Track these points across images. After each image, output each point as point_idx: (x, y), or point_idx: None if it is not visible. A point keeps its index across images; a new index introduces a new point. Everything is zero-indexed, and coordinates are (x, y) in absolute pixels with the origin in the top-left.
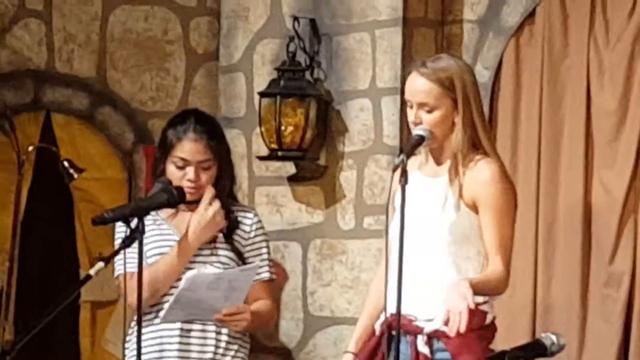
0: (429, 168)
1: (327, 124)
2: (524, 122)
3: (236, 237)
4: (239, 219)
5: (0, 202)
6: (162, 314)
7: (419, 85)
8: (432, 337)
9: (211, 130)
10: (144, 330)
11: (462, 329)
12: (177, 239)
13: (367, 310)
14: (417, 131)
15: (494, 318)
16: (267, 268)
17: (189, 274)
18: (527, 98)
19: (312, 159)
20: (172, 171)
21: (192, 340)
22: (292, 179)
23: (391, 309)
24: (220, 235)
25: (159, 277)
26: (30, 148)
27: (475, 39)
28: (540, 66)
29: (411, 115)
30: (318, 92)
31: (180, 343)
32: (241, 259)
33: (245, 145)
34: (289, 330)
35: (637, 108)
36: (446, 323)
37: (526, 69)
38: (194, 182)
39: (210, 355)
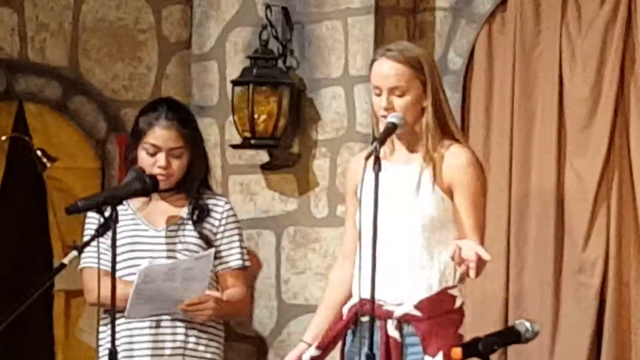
0: (398, 156)
1: (300, 112)
2: (496, 109)
3: (206, 225)
4: (210, 206)
5: None
6: (126, 310)
7: (389, 69)
8: (402, 321)
9: (183, 118)
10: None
11: (472, 275)
12: (148, 231)
13: (325, 301)
14: (389, 119)
15: (463, 303)
16: (239, 256)
17: (142, 267)
18: (500, 86)
19: (285, 147)
20: (143, 157)
21: (162, 335)
22: (266, 167)
23: (362, 294)
24: (190, 221)
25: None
26: (3, 137)
27: (448, 27)
28: (513, 54)
29: (383, 101)
30: (291, 80)
31: (150, 336)
32: (210, 246)
33: (218, 134)
34: (262, 319)
35: (609, 95)
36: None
37: (498, 57)
38: (165, 169)
39: (180, 347)
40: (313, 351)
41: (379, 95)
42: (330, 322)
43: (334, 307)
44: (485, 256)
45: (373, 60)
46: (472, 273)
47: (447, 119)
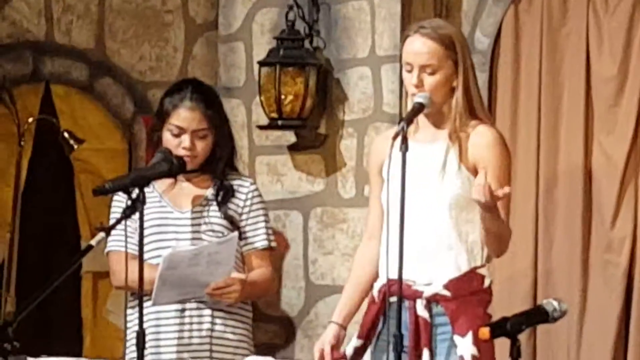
0: (424, 134)
1: (327, 93)
2: (523, 89)
3: (231, 205)
4: (235, 187)
5: (1, 174)
6: (152, 296)
7: (422, 46)
8: (431, 301)
9: (208, 99)
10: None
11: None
12: (173, 213)
13: (351, 281)
14: (416, 99)
15: (491, 282)
16: (264, 236)
17: (166, 253)
18: (527, 65)
19: (312, 128)
20: (167, 139)
21: (188, 319)
22: (292, 148)
23: (390, 274)
24: (214, 202)
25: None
26: (30, 119)
27: (475, 6)
28: (540, 33)
29: (413, 78)
30: (317, 60)
31: (177, 319)
32: (235, 226)
33: (245, 115)
34: (290, 299)
35: (637, 74)
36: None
37: (525, 36)
38: (189, 150)
39: (207, 333)
40: (355, 341)
41: (409, 72)
42: (357, 302)
43: (361, 288)
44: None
45: (406, 37)
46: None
47: (475, 99)
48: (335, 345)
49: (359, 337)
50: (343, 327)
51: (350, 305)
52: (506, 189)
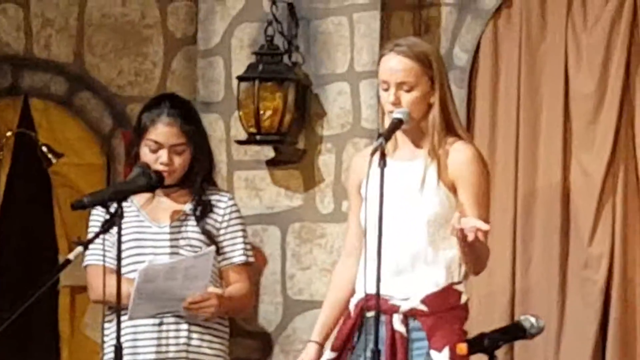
0: (403, 152)
1: (306, 108)
2: (501, 105)
3: (209, 220)
4: (213, 202)
5: None
6: (129, 310)
7: (398, 64)
8: (408, 316)
9: (185, 115)
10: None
11: (471, 238)
12: (151, 228)
13: (330, 299)
14: (395, 114)
15: (468, 299)
16: (242, 251)
17: (142, 266)
18: (505, 81)
19: (290, 143)
20: (145, 154)
21: (166, 332)
22: (271, 163)
23: (367, 289)
24: (192, 217)
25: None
26: (9, 133)
27: (453, 22)
28: (518, 49)
29: (390, 96)
30: (296, 76)
31: (154, 333)
32: (213, 241)
33: (224, 130)
34: (268, 314)
35: (615, 91)
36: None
37: (504, 52)
38: (167, 165)
39: (184, 347)
40: (329, 354)
41: (386, 90)
42: (336, 321)
43: (339, 306)
44: (484, 226)
45: (381, 55)
46: (470, 236)
47: (452, 116)
48: None
49: (332, 349)
50: (322, 346)
51: (329, 324)
52: (484, 227)
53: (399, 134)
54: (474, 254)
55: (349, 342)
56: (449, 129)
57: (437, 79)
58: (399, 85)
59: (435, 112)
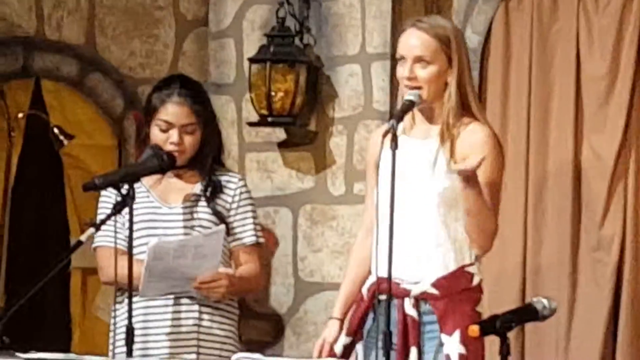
0: (417, 131)
1: (317, 90)
2: (513, 87)
3: (219, 201)
4: (223, 183)
5: None
6: (140, 288)
7: (417, 39)
8: (419, 299)
9: (196, 95)
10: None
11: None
12: (162, 209)
13: (349, 276)
14: (407, 96)
15: (481, 280)
16: (252, 232)
17: (151, 243)
18: (517, 63)
19: (302, 125)
20: (155, 134)
21: (177, 313)
22: (282, 145)
23: (379, 272)
24: (203, 198)
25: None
26: (20, 115)
27: (465, 4)
28: (530, 31)
29: (406, 70)
30: (308, 57)
31: (165, 314)
32: (223, 222)
33: (235, 111)
34: (279, 296)
35: (627, 72)
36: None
37: (516, 34)
38: (177, 145)
39: (194, 328)
40: (344, 339)
41: (403, 65)
42: (353, 298)
43: (359, 283)
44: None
45: (402, 31)
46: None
47: (470, 97)
48: (334, 342)
49: (347, 334)
50: (343, 322)
51: (350, 301)
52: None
53: (415, 111)
54: (476, 209)
55: (362, 327)
56: (465, 109)
57: (455, 58)
58: (416, 60)
59: (451, 92)
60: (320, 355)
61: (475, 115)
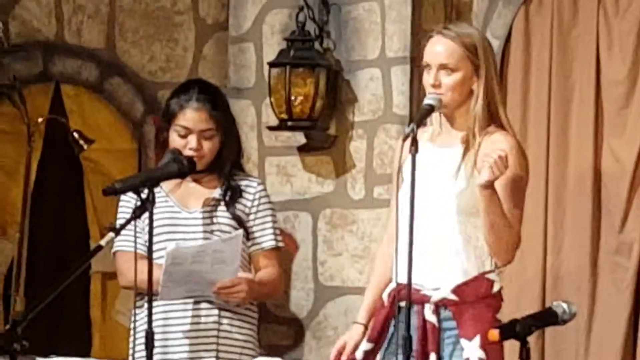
0: (442, 138)
1: (337, 94)
2: (533, 91)
3: (239, 206)
4: (242, 187)
5: (11, 174)
6: (160, 292)
7: (442, 46)
8: (439, 305)
9: (214, 100)
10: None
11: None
12: (181, 213)
13: (374, 281)
14: (426, 100)
15: (501, 288)
16: (272, 236)
17: (169, 248)
18: (537, 67)
19: (322, 129)
20: (174, 140)
21: (196, 317)
22: (302, 149)
23: (399, 279)
24: (222, 203)
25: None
26: (40, 119)
27: (485, 8)
28: (550, 35)
29: (431, 77)
30: (327, 62)
31: (184, 319)
32: (242, 227)
33: (255, 116)
34: (299, 300)
35: None
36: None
37: (536, 38)
38: (196, 150)
39: (214, 332)
40: (365, 345)
41: (429, 72)
42: (377, 303)
43: (380, 287)
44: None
45: (429, 37)
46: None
47: (498, 106)
48: (355, 346)
49: (368, 340)
50: (367, 327)
51: (373, 306)
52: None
53: (442, 119)
54: (494, 217)
55: (384, 333)
56: (492, 118)
57: (483, 66)
58: (441, 67)
59: (478, 99)
60: (338, 358)
61: (503, 124)
